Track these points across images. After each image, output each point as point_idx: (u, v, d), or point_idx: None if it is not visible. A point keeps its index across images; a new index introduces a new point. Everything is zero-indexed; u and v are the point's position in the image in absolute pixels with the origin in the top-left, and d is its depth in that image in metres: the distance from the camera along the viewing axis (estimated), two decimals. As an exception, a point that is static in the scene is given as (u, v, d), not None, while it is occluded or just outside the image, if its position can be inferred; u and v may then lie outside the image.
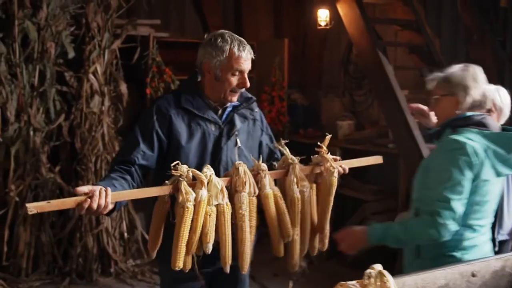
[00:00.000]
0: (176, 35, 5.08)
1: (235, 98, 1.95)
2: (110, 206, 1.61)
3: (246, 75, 1.92)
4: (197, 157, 1.91)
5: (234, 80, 1.91)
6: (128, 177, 1.81)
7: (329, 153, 1.89)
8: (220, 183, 1.70)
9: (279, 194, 1.81)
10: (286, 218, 1.81)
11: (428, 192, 1.86)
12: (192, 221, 1.66)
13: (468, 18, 4.01)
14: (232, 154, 1.90)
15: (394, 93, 3.71)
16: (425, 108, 2.25)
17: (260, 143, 2.08)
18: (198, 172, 1.69)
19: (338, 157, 1.93)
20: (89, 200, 1.56)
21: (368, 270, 1.15)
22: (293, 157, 1.85)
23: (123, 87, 4.13)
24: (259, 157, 1.91)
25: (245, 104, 2.03)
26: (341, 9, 4.07)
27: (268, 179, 1.79)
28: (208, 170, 1.71)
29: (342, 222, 4.46)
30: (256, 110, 2.07)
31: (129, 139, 1.93)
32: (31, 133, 3.73)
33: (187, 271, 1.72)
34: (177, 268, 1.68)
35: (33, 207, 1.51)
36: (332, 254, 4.47)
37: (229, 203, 1.71)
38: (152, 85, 4.34)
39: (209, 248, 1.69)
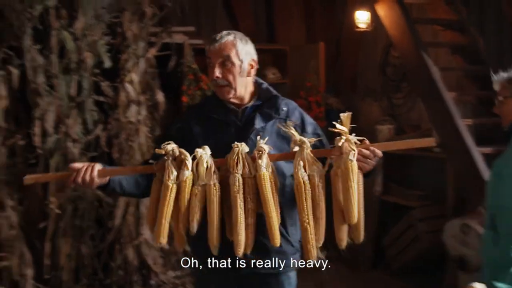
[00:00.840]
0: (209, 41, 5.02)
1: (226, 95, 1.92)
2: (97, 181, 1.76)
3: (216, 66, 1.88)
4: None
5: (210, 72, 1.92)
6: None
7: (353, 134, 1.72)
8: (209, 162, 1.72)
9: (275, 178, 1.74)
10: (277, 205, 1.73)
11: (505, 200, 1.76)
12: (178, 200, 1.71)
13: (513, 15, 3.87)
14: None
15: (441, 95, 3.59)
16: None
17: None
18: (183, 151, 1.73)
19: (364, 139, 1.74)
20: (75, 174, 1.74)
21: (470, 291, 1.04)
22: (303, 139, 1.72)
23: (160, 96, 4.08)
24: None
25: (268, 103, 1.96)
26: (381, 10, 3.97)
27: (265, 160, 1.70)
28: (202, 150, 1.73)
29: (387, 229, 4.35)
30: (284, 108, 1.97)
31: (154, 146, 1.98)
32: (70, 144, 3.69)
33: (181, 250, 1.81)
34: (159, 244, 1.75)
35: (29, 178, 1.80)
36: (377, 262, 4.35)
37: (217, 184, 1.71)
38: (188, 93, 4.28)
39: (194, 227, 1.71)
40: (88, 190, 3.73)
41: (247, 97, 1.97)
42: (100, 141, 3.85)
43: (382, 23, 4.19)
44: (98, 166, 1.77)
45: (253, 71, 1.97)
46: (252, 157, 1.72)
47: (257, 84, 2.02)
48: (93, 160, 3.89)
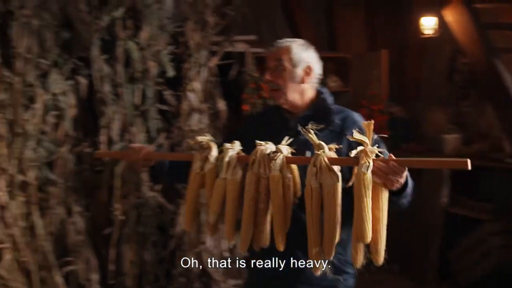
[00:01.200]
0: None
1: (277, 99, 1.96)
2: (141, 159, 1.96)
3: (269, 70, 1.96)
4: None
5: (264, 76, 2.00)
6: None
7: (376, 145, 1.59)
8: (231, 158, 1.75)
9: (291, 182, 1.70)
10: (289, 209, 1.70)
11: None
12: (206, 190, 1.82)
13: None
14: (299, 167, 1.76)
15: (514, 102, 3.41)
16: None
17: None
18: (211, 144, 1.82)
19: (383, 151, 1.60)
20: (126, 153, 2.03)
21: None
22: (322, 144, 1.63)
23: (221, 104, 4.09)
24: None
25: (320, 113, 1.92)
26: (449, 15, 3.84)
27: (279, 162, 1.66)
28: (229, 145, 1.78)
29: (454, 243, 4.17)
30: (337, 121, 1.91)
31: None
32: (134, 152, 3.74)
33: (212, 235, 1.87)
34: (188, 229, 1.93)
35: (100, 153, 2.40)
36: (443, 276, 4.18)
37: (236, 179, 1.74)
38: (249, 102, 4.28)
39: (211, 218, 1.78)
40: (151, 197, 3.80)
41: (302, 105, 1.95)
42: (163, 149, 3.90)
43: (449, 29, 4.05)
44: (148, 148, 1.99)
45: (308, 79, 1.95)
46: (270, 158, 1.70)
47: (318, 93, 1.99)
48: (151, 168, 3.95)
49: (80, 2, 3.54)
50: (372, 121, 1.60)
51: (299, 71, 1.92)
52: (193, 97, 3.93)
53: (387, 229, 1.62)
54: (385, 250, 1.60)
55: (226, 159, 1.74)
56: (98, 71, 3.63)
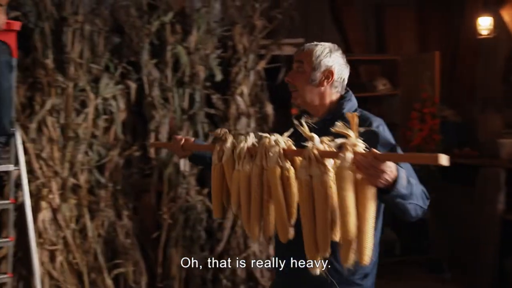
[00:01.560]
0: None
1: (294, 99, 2.00)
2: (180, 149, 2.05)
3: (291, 72, 2.00)
4: None
5: None
6: None
7: (362, 139, 1.50)
8: (241, 149, 1.75)
9: (290, 174, 1.65)
10: (292, 201, 1.65)
11: None
12: (227, 180, 1.86)
13: None
14: None
15: None
16: None
17: None
18: (228, 136, 1.84)
19: (366, 147, 1.50)
20: (171, 143, 2.14)
21: None
22: (314, 136, 1.58)
23: (269, 108, 4.07)
24: None
25: (334, 119, 1.83)
26: (508, 15, 3.68)
27: (276, 154, 1.64)
28: (243, 137, 1.80)
29: (510, 251, 4.00)
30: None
31: None
32: (182, 155, 3.76)
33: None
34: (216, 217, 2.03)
35: (153, 144, 2.54)
36: (501, 285, 4.02)
37: (244, 171, 1.73)
38: (298, 105, 4.23)
39: (233, 208, 1.80)
40: (199, 201, 3.81)
41: (323, 109, 1.93)
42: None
43: (506, 29, 3.89)
44: (184, 140, 2.05)
45: (328, 82, 1.90)
46: (268, 150, 1.68)
47: (340, 98, 1.95)
48: (203, 171, 3.96)
49: (131, 8, 3.59)
50: (356, 114, 1.52)
51: (318, 74, 1.90)
52: (241, 100, 3.92)
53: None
54: (372, 249, 1.49)
55: (237, 151, 1.78)
56: (147, 75, 3.68)
